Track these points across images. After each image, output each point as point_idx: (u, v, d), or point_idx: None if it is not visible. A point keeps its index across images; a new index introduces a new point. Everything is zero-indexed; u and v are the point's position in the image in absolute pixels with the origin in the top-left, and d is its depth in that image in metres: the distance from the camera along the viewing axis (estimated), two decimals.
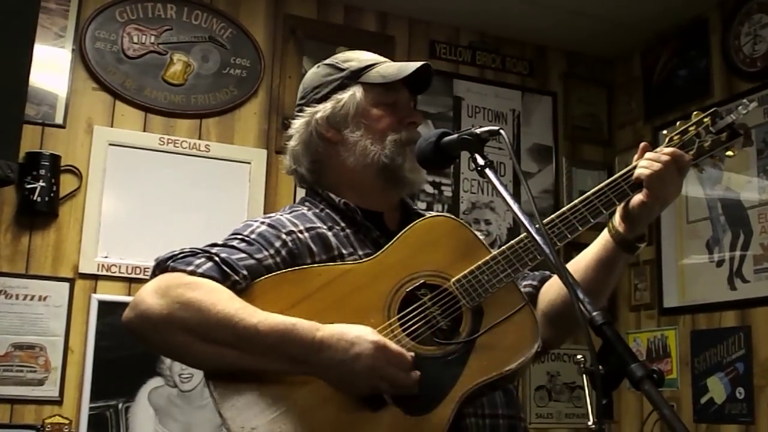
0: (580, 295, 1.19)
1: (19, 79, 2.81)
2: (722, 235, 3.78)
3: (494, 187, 1.41)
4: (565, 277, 1.22)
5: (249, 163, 3.73)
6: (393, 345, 1.44)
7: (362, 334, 1.43)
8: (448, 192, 4.11)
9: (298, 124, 1.78)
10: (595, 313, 1.17)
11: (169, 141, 3.62)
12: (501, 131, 1.45)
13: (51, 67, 3.47)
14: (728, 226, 3.75)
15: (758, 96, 3.65)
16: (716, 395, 3.67)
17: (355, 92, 1.75)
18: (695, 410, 3.75)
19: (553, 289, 1.75)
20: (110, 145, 3.51)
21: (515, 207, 1.36)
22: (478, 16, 4.19)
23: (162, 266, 1.53)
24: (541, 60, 4.49)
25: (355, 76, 1.76)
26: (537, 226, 1.31)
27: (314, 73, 1.83)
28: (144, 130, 3.60)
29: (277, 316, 1.45)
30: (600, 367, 1.14)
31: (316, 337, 1.42)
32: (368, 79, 1.75)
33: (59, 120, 3.46)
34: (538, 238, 1.29)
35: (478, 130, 1.50)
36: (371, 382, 1.43)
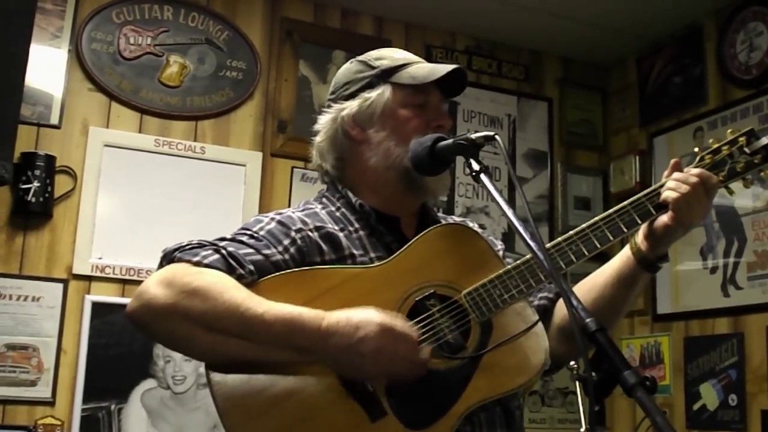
0: (573, 302, 1.19)
1: (15, 79, 2.81)
2: (716, 242, 3.78)
3: (489, 193, 1.40)
4: (560, 283, 1.22)
5: (244, 165, 3.73)
6: (399, 325, 1.41)
7: (368, 317, 1.40)
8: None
9: (325, 119, 1.75)
10: (588, 320, 1.16)
11: (165, 143, 3.62)
12: (496, 137, 1.45)
13: (47, 67, 3.46)
14: (722, 233, 3.76)
15: (753, 104, 3.67)
16: (709, 402, 3.68)
17: (384, 91, 1.70)
18: (688, 417, 3.76)
19: None
20: (105, 146, 3.51)
21: (510, 212, 1.36)
22: (474, 21, 4.20)
23: (169, 257, 1.52)
24: (536, 65, 4.49)
25: (386, 75, 1.71)
26: (531, 230, 1.30)
27: (346, 68, 1.79)
28: (139, 132, 3.60)
29: (284, 305, 1.43)
30: (593, 373, 1.14)
31: (322, 326, 1.40)
32: (398, 80, 1.70)
33: (54, 120, 3.45)
34: (526, 236, 1.29)
35: (473, 136, 1.49)
36: (379, 366, 1.40)
